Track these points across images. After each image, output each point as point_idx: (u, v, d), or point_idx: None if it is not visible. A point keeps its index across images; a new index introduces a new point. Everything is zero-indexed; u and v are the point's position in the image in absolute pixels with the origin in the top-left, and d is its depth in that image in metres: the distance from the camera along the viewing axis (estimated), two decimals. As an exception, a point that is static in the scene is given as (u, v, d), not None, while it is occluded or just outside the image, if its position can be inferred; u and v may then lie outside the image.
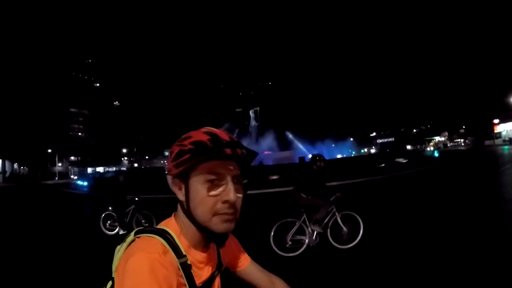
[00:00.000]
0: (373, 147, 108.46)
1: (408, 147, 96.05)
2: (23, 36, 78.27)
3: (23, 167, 69.24)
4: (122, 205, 7.14)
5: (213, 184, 0.80)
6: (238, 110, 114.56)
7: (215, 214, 0.80)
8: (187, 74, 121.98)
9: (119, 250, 0.79)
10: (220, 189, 0.80)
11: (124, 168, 64.26)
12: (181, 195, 0.83)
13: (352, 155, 70.97)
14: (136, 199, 7.22)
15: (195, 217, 0.81)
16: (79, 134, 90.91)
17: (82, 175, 47.32)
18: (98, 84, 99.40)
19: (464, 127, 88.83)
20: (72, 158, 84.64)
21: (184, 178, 0.82)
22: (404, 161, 22.96)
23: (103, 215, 7.43)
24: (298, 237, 5.04)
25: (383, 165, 20.99)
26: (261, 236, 5.18)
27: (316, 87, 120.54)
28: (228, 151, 0.80)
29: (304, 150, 51.69)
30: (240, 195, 0.84)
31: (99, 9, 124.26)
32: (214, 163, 0.80)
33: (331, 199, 5.13)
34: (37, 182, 51.40)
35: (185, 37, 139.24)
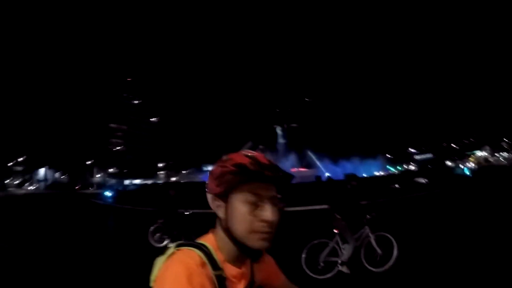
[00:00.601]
0: (411, 163, 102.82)
1: (448, 163, 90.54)
2: (70, 58, 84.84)
3: (64, 175, 73.34)
4: (173, 219, 7.22)
5: (253, 204, 0.85)
6: (275, 126, 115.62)
7: (253, 231, 0.85)
8: (225, 89, 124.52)
9: (159, 262, 0.83)
10: (259, 209, 0.86)
11: (160, 181, 66.19)
12: (221, 213, 0.89)
13: (379, 173, 67.29)
14: (186, 213, 7.37)
15: (233, 233, 0.86)
16: (118, 148, 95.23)
17: (109, 187, 48.79)
18: (136, 102, 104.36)
19: (507, 140, 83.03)
20: (111, 170, 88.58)
21: (224, 197, 0.88)
22: (424, 181, 22.12)
23: (152, 228, 7.53)
24: (331, 258, 4.97)
25: (396, 185, 20.41)
26: (292, 256, 5.10)
27: (351, 100, 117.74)
28: (268, 173, 0.86)
29: (322, 169, 51.24)
30: (277, 215, 0.88)
31: (139, 32, 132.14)
32: (254, 184, 0.86)
33: (365, 219, 5.04)
34: (75, 191, 54.13)
35: (220, 55, 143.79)
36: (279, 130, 50.20)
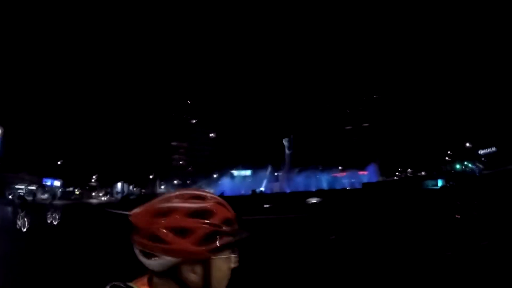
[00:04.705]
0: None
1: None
2: (134, 87, 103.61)
3: (136, 188, 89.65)
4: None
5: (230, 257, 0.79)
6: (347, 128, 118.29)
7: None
8: (281, 93, 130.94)
9: None
10: (234, 259, 0.79)
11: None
12: (195, 277, 0.75)
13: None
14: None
15: None
16: (180, 162, 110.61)
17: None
18: (194, 121, 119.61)
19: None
20: (175, 182, 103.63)
21: (206, 259, 0.75)
22: (314, 201, 22.76)
23: None
24: None
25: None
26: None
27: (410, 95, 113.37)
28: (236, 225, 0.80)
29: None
30: None
31: (194, 57, 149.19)
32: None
33: None
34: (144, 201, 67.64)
35: (275, 65, 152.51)
36: (285, 142, 49.83)
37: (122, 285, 0.73)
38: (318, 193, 26.93)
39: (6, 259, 7.70)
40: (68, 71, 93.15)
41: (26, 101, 72.39)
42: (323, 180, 45.98)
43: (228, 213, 0.79)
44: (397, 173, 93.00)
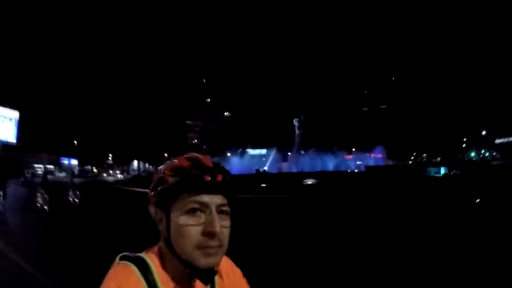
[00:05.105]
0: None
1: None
2: (153, 69, 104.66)
3: (151, 166, 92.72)
4: None
5: (194, 214, 0.74)
6: (364, 109, 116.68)
7: (198, 247, 0.72)
8: (301, 73, 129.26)
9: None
10: (203, 219, 0.74)
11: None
12: (161, 226, 0.78)
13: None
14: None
15: (176, 249, 0.74)
16: (194, 141, 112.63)
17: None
18: (209, 100, 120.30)
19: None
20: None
21: (165, 207, 0.76)
22: (311, 182, 22.85)
23: None
24: None
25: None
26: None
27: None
28: (207, 177, 0.74)
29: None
30: (226, 226, 0.77)
31: (209, 35, 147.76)
32: (198, 192, 0.74)
33: None
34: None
35: (297, 46, 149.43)
36: (296, 122, 49.53)
37: (131, 255, 0.76)
38: (318, 174, 26.98)
39: (32, 239, 7.73)
40: (82, 54, 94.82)
41: (41, 85, 75.01)
42: (329, 162, 45.84)
43: (186, 162, 0.77)
44: (412, 158, 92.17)
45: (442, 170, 28.60)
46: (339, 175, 29.02)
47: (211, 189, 0.75)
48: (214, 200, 0.75)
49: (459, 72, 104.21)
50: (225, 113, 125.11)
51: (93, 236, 7.51)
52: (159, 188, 0.76)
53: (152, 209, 0.80)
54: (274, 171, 39.77)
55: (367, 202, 13.57)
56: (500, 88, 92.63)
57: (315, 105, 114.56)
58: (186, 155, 0.80)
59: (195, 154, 0.81)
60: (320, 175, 26.48)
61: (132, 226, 8.13)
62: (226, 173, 0.78)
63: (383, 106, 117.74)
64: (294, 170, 40.94)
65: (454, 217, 8.96)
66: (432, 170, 29.39)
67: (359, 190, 18.18)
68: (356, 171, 37.66)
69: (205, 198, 0.74)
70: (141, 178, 43.73)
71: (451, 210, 10.15)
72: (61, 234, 8.18)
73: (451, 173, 27.44)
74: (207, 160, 0.79)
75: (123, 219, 10.40)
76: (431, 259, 5.18)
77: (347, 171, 36.16)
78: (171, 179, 0.75)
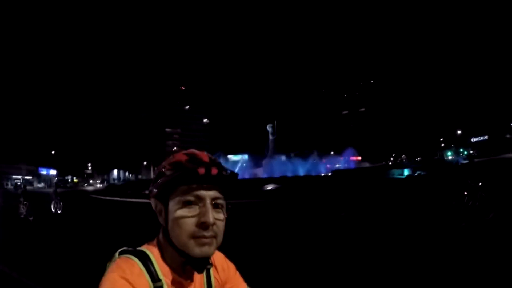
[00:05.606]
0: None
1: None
2: (129, 76, 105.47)
3: (131, 175, 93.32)
4: None
5: (190, 206, 0.79)
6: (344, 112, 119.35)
7: (192, 237, 0.78)
8: (280, 77, 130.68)
9: (107, 268, 0.78)
10: (197, 210, 0.79)
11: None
12: (161, 218, 0.84)
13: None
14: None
15: (172, 239, 0.80)
16: (174, 148, 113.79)
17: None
18: (187, 107, 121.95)
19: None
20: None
21: (163, 200, 0.83)
22: (270, 187, 23.03)
23: None
24: None
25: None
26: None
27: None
28: (201, 170, 0.78)
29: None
30: (220, 218, 0.82)
31: (187, 44, 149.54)
32: (194, 185, 0.80)
33: None
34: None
35: (272, 49, 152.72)
36: (269, 128, 49.90)
37: (130, 249, 0.82)
38: (280, 179, 27.58)
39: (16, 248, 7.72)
40: (58, 61, 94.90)
41: (17, 95, 74.77)
42: (301, 167, 47.29)
43: (183, 157, 0.83)
44: (391, 159, 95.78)
45: (406, 172, 28.86)
46: (302, 180, 29.83)
47: (205, 182, 0.80)
48: (209, 193, 0.81)
49: (436, 75, 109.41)
50: (204, 120, 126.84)
51: (75, 242, 7.96)
52: (158, 181, 0.82)
53: (153, 202, 0.86)
54: (247, 177, 40.58)
55: (327, 206, 13.80)
56: (473, 90, 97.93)
57: (294, 110, 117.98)
58: (184, 151, 0.87)
59: (193, 150, 0.88)
60: (281, 180, 27.21)
61: (106, 231, 9.34)
62: (222, 168, 0.83)
63: (362, 109, 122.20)
64: (264, 175, 41.85)
65: (414, 217, 9.45)
66: (396, 172, 29.74)
67: (320, 194, 18.69)
68: (322, 175, 39.65)
69: (200, 191, 0.80)
70: (115, 188, 44.91)
71: (412, 210, 10.85)
72: (45, 242, 8.38)
73: (415, 174, 27.49)
74: (204, 155, 0.85)
75: (98, 226, 11.36)
76: (384, 258, 5.39)
77: (311, 176, 37.50)
78: (169, 173, 0.81)
